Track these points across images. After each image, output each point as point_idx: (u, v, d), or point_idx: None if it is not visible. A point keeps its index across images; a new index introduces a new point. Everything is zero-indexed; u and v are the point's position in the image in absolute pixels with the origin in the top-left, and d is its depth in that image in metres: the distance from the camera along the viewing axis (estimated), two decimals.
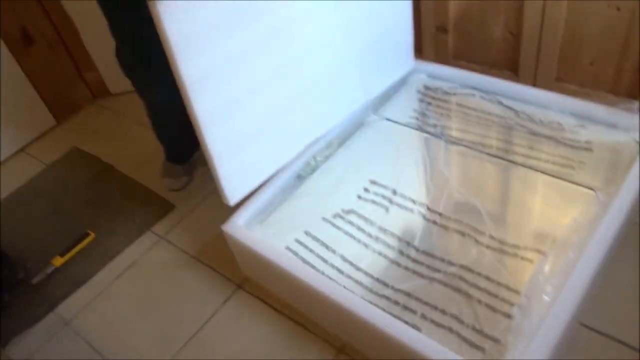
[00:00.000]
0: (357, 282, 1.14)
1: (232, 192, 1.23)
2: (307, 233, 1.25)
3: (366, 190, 1.33)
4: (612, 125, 1.29)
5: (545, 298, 1.00)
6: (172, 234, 1.54)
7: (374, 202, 1.30)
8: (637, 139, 1.24)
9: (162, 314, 1.34)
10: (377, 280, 1.13)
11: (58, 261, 1.50)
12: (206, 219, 1.55)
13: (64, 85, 2.04)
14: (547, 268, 1.06)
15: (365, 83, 1.46)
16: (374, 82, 1.50)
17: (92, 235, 1.56)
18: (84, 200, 1.70)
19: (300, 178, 1.38)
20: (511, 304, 1.03)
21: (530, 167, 1.29)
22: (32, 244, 1.59)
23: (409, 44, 1.55)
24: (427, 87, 1.57)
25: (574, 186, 1.22)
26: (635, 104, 1.29)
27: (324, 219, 1.28)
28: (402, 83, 1.59)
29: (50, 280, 1.47)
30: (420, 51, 1.80)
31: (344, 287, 1.09)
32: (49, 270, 1.49)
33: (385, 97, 1.57)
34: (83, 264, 1.50)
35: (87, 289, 1.45)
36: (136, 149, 1.86)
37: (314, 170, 1.39)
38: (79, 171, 1.83)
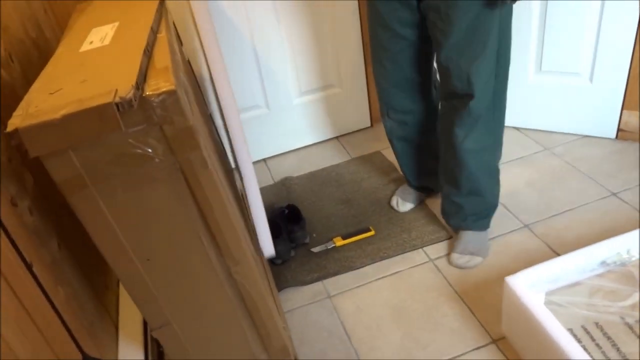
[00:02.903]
0: None
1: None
2: (597, 325, 1.14)
3: None
4: None
5: None
6: (441, 261, 1.58)
7: None
8: None
9: (410, 329, 1.39)
10: None
11: (339, 242, 1.69)
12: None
13: None
14: None
15: None
16: None
17: (372, 232, 1.70)
18: (373, 199, 1.87)
19: (603, 265, 1.27)
20: None
21: None
22: (321, 219, 1.82)
23: None
24: None
25: None
26: None
27: (623, 320, 1.14)
28: None
29: (327, 255, 1.67)
30: None
31: None
32: (330, 246, 1.68)
33: None
34: (357, 253, 1.65)
35: (354, 275, 1.59)
36: None
37: (623, 263, 1.26)
38: (376, 173, 2.01)
